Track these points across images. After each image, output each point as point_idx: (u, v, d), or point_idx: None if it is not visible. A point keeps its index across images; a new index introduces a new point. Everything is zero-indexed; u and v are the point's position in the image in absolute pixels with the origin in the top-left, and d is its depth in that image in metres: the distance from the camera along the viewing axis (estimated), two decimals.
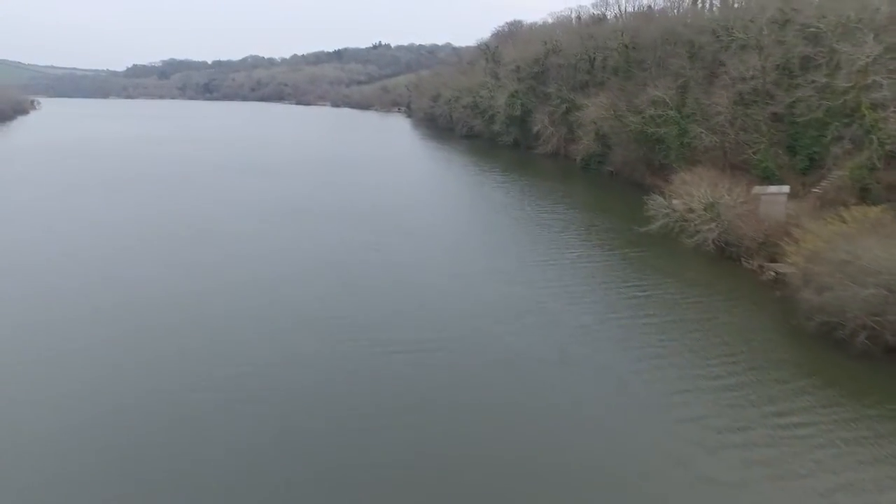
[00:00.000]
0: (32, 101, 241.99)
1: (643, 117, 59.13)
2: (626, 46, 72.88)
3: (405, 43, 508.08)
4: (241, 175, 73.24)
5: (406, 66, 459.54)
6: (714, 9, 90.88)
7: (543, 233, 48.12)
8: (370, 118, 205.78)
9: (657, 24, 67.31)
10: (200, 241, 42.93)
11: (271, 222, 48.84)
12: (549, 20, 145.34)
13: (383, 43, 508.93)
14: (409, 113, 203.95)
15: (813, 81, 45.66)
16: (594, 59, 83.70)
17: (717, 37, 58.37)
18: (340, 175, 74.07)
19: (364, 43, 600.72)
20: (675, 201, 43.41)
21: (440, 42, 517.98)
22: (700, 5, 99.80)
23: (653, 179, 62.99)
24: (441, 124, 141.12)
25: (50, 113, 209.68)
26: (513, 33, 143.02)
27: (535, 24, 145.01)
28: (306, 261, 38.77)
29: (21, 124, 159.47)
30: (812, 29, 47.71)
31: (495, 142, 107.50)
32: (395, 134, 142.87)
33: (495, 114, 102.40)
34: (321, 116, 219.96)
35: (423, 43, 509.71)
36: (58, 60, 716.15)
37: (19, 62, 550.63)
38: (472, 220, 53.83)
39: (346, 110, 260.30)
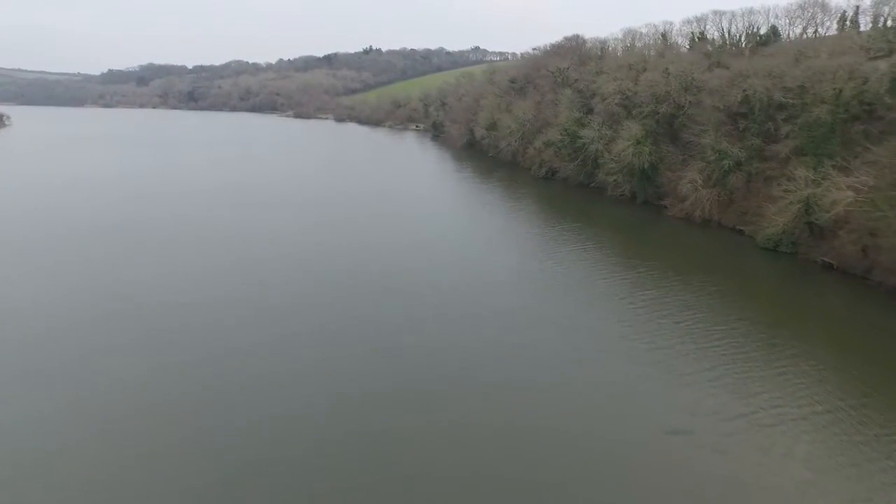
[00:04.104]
0: (1, 117, 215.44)
1: None
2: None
3: (396, 47, 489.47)
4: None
5: (402, 72, 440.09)
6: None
7: None
8: (393, 142, 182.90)
9: None
10: None
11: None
12: (619, 35, 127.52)
13: (374, 47, 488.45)
14: (435, 133, 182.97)
15: None
16: (761, 103, 64.37)
17: None
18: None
19: (353, 47, 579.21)
20: None
21: (432, 46, 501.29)
22: (849, 27, 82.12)
23: None
24: (499, 157, 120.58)
25: (22, 135, 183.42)
26: (577, 51, 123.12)
27: (601, 40, 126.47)
28: None
29: None
30: None
31: (590, 188, 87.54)
32: (448, 172, 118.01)
33: (603, 160, 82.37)
34: (335, 139, 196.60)
35: (415, 47, 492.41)
36: (26, 63, 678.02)
37: None
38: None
39: (354, 126, 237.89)
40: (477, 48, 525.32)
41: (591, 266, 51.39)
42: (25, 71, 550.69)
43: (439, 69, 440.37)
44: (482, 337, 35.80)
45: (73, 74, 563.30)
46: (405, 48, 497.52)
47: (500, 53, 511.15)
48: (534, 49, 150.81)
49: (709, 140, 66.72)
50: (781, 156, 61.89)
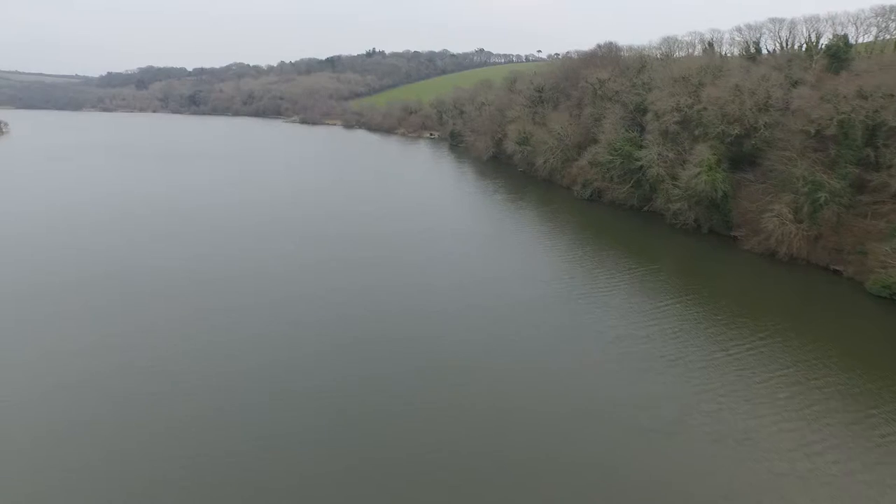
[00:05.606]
0: None
1: None
2: None
3: (399, 49, 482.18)
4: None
5: (406, 75, 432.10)
6: None
7: None
8: (412, 153, 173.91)
9: None
10: None
11: None
12: (654, 42, 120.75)
13: (377, 50, 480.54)
14: (453, 143, 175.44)
15: None
16: (864, 126, 56.91)
17: None
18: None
19: (354, 49, 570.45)
20: None
21: (436, 49, 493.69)
22: None
23: None
24: (531, 173, 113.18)
25: (21, 144, 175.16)
26: (612, 60, 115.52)
27: (636, 48, 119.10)
28: None
29: None
30: None
31: (644, 213, 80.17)
32: (481, 194, 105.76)
33: (665, 185, 74.76)
34: (354, 150, 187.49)
35: (417, 49, 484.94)
36: (23, 65, 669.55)
37: None
38: None
39: (365, 134, 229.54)
40: (481, 50, 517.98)
41: (703, 330, 43.62)
42: (23, 73, 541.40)
43: (444, 72, 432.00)
44: (619, 456, 28.25)
45: (72, 77, 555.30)
46: (408, 50, 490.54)
47: (505, 56, 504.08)
48: (539, 51, 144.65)
49: (799, 169, 59.16)
50: (891, 189, 54.54)
